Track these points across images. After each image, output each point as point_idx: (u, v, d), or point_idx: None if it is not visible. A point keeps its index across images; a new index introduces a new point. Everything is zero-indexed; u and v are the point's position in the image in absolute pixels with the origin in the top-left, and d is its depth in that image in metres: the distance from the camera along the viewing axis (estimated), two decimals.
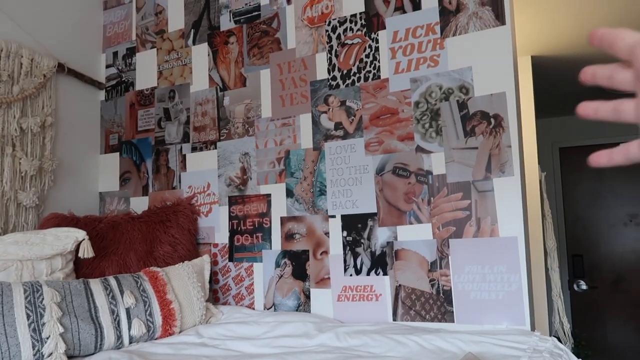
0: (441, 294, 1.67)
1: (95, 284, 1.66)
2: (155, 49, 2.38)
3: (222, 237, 2.11)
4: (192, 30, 2.28)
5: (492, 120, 1.64)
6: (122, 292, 1.61)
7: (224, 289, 2.09)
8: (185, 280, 1.85)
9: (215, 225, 2.13)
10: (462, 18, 1.71)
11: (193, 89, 2.25)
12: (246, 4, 2.14)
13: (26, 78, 2.10)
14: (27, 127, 2.07)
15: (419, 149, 1.74)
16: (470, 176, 1.66)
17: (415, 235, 1.73)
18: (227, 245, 2.09)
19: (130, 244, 1.96)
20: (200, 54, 2.25)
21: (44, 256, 1.71)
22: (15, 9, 2.15)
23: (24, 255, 1.68)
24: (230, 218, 2.10)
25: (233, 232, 2.08)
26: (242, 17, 2.15)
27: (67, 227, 1.80)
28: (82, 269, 1.88)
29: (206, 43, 2.24)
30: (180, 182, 2.24)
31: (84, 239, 1.78)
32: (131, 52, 2.46)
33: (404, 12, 1.81)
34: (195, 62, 2.26)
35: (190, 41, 2.28)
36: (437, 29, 1.75)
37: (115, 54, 2.52)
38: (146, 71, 2.40)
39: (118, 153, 2.44)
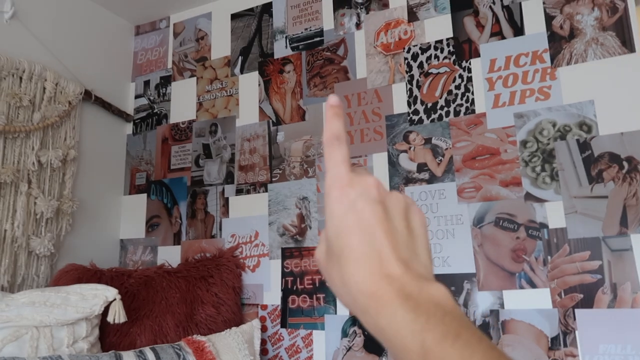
0: None
1: (130, 358, 1.30)
2: (195, 77, 2.11)
3: (272, 297, 1.77)
4: (240, 57, 2.02)
5: (625, 164, 1.35)
6: None
7: None
8: (235, 352, 1.50)
9: (265, 283, 1.79)
10: (577, 44, 1.46)
11: (239, 122, 1.97)
12: (306, 29, 1.89)
13: (49, 105, 1.80)
14: (46, 161, 1.76)
15: (529, 197, 1.45)
16: (599, 231, 1.35)
17: (529, 303, 1.40)
18: (279, 308, 1.74)
19: (167, 305, 1.61)
20: (249, 83, 1.98)
21: (67, 321, 1.36)
22: (40, 28, 1.88)
23: (42, 321, 1.32)
24: (284, 274, 1.76)
25: (287, 292, 1.74)
26: (301, 43, 1.90)
27: (93, 284, 1.46)
28: (108, 336, 1.52)
29: (256, 72, 1.97)
30: (221, 229, 1.92)
31: (115, 299, 1.43)
32: (166, 81, 2.19)
33: (503, 37, 1.56)
34: (243, 93, 1.98)
35: (237, 69, 2.01)
36: (546, 56, 1.49)
37: (146, 82, 2.24)
38: (183, 102, 2.12)
39: (145, 194, 2.12)
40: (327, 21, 1.86)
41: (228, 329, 1.59)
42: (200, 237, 1.95)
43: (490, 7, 1.59)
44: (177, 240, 2.00)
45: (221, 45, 2.08)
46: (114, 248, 2.12)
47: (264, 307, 1.78)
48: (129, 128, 2.24)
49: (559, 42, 1.49)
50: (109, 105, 2.11)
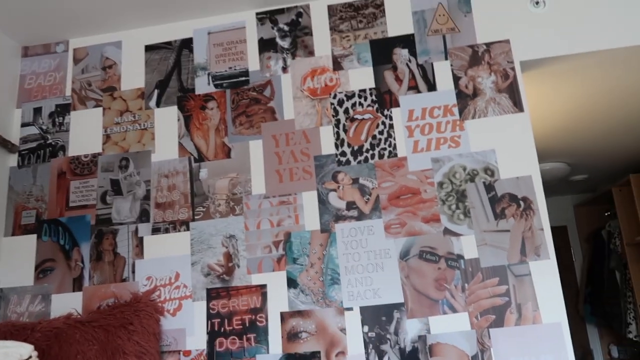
0: None
1: None
2: (102, 108, 1.97)
3: (196, 341, 1.68)
4: (157, 90, 1.94)
5: (522, 203, 1.63)
6: None
7: None
8: None
9: (187, 327, 1.70)
10: (480, 102, 1.74)
11: (156, 157, 1.88)
12: (230, 68, 1.91)
13: None
14: None
15: (447, 231, 1.64)
16: (505, 260, 1.60)
17: (451, 327, 1.57)
18: (205, 352, 1.66)
19: (84, 359, 1.43)
20: (167, 118, 1.91)
21: None
22: None
23: None
24: (210, 316, 1.70)
25: (214, 335, 1.68)
26: (225, 81, 1.91)
27: (2, 341, 1.25)
28: None
29: (175, 106, 1.92)
30: (133, 272, 1.78)
31: (30, 357, 1.24)
32: (63, 109, 1.99)
33: (419, 91, 1.78)
34: (160, 127, 1.91)
35: (152, 103, 1.93)
36: (455, 110, 1.75)
37: (37, 110, 2.01)
38: (86, 133, 1.95)
39: (35, 235, 1.87)
40: (253, 62, 1.91)
41: None
42: (107, 281, 1.78)
43: (407, 64, 1.81)
44: (77, 286, 1.79)
45: (133, 77, 1.98)
46: None
47: (187, 353, 1.68)
48: (12, 160, 1.97)
49: (465, 99, 1.75)
50: None
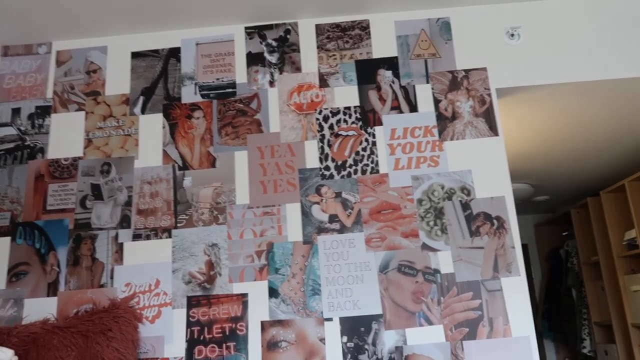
0: None
1: None
2: (84, 112, 1.95)
3: (175, 349, 1.68)
4: (142, 97, 1.95)
5: (495, 222, 1.72)
6: None
7: None
8: None
9: (166, 334, 1.70)
10: (458, 125, 1.83)
11: (139, 164, 1.88)
12: (218, 79, 1.94)
13: None
14: None
15: (425, 247, 1.71)
16: (479, 275, 1.68)
17: (427, 338, 1.63)
18: None
19: None
20: (152, 125, 1.92)
21: None
22: None
23: None
24: (189, 324, 1.70)
25: (193, 342, 1.68)
26: (212, 92, 1.93)
27: None
28: None
29: (161, 114, 1.93)
30: (112, 278, 1.76)
31: None
32: (44, 111, 1.97)
33: (401, 111, 1.86)
34: (144, 134, 1.91)
35: (137, 109, 1.94)
36: (435, 131, 1.83)
37: (15, 110, 1.98)
38: (66, 137, 1.93)
39: (9, 238, 1.83)
40: (240, 75, 1.94)
41: None
42: (85, 286, 1.76)
43: (390, 85, 1.89)
44: (52, 291, 1.76)
45: (118, 82, 1.98)
46: None
47: None
48: None
49: (444, 121, 1.84)
50: None
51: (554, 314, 4.13)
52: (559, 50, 1.90)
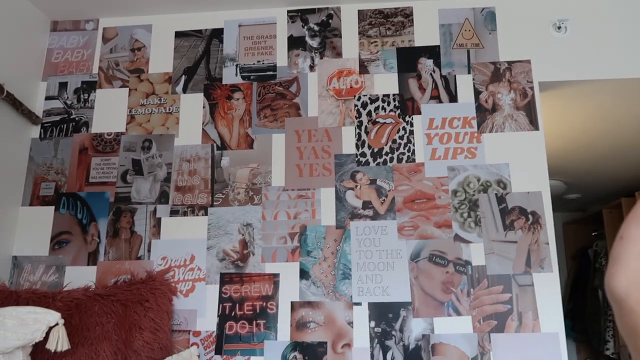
0: None
1: None
2: (127, 88, 2.00)
3: (207, 323, 1.74)
4: (184, 76, 1.99)
5: (530, 217, 1.71)
6: None
7: None
8: None
9: (199, 309, 1.75)
10: (498, 117, 1.81)
11: (179, 142, 1.92)
12: (259, 61, 1.96)
13: None
14: None
15: (458, 238, 1.72)
16: (510, 269, 1.67)
17: (455, 329, 1.65)
18: (215, 334, 1.72)
19: (103, 331, 1.47)
20: (192, 104, 1.96)
21: (6, 349, 1.18)
22: None
23: None
24: (221, 300, 1.75)
25: (224, 318, 1.73)
26: (253, 73, 1.96)
27: (31, 307, 1.29)
28: None
29: (202, 94, 1.96)
30: (149, 251, 1.82)
31: (57, 324, 1.29)
32: (89, 86, 2.02)
33: (440, 101, 1.85)
34: (185, 113, 1.95)
35: (179, 88, 1.98)
36: (474, 123, 1.82)
37: (62, 84, 2.04)
38: (110, 112, 1.98)
39: (53, 207, 1.90)
40: (281, 58, 1.96)
41: (170, 357, 1.52)
42: (123, 258, 1.82)
43: (431, 74, 1.88)
44: (92, 260, 1.83)
45: (161, 61, 2.02)
46: (2, 266, 1.84)
47: (197, 333, 1.73)
48: (35, 131, 2.00)
49: (484, 113, 1.82)
50: (19, 104, 1.87)
51: (578, 314, 4.08)
52: (605, 45, 1.85)
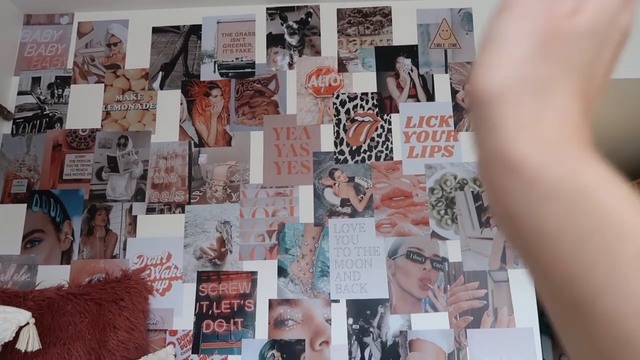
0: None
1: None
2: (103, 84, 1.97)
3: (183, 322, 1.72)
4: (161, 72, 1.96)
5: None
6: None
7: None
8: None
9: (175, 307, 1.73)
10: None
11: (155, 139, 1.90)
12: (237, 59, 1.95)
13: None
14: None
15: (435, 235, 1.73)
16: (486, 266, 1.70)
17: (431, 325, 1.66)
18: (192, 333, 1.70)
19: (76, 330, 1.45)
20: (170, 100, 1.93)
21: None
22: None
23: None
24: (198, 298, 1.73)
25: (201, 316, 1.71)
26: (231, 70, 1.95)
27: (1, 306, 1.26)
28: None
29: (179, 90, 1.94)
30: (125, 249, 1.79)
31: (27, 324, 1.26)
32: (63, 82, 1.98)
33: (418, 100, 1.87)
34: (162, 109, 1.93)
35: (156, 84, 1.95)
36: (451, 121, 1.84)
37: (35, 79, 2.00)
38: (85, 108, 1.95)
39: (25, 205, 1.86)
40: (260, 55, 1.95)
41: (145, 356, 1.50)
42: (97, 256, 1.79)
43: (409, 73, 1.89)
44: (66, 259, 1.80)
45: (138, 57, 1.99)
46: None
47: (173, 332, 1.71)
48: (7, 127, 1.95)
49: (461, 111, 1.85)
50: None
51: None
52: None
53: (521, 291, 1.67)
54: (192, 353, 1.68)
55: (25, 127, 1.94)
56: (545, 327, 4.17)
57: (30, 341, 1.23)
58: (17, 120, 1.95)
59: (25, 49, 2.04)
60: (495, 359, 1.62)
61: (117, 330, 1.52)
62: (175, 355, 1.67)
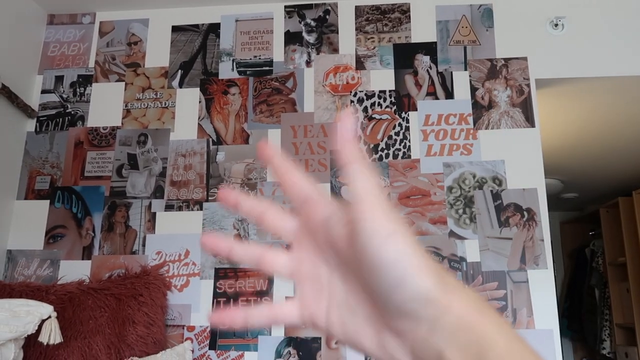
0: None
1: None
2: (124, 82, 2.00)
3: (201, 318, 1.73)
4: (180, 71, 1.98)
5: (525, 214, 1.71)
6: None
7: None
8: None
9: (193, 303, 1.75)
10: (494, 114, 1.81)
11: (174, 136, 1.92)
12: (255, 57, 1.96)
13: None
14: None
15: (453, 234, 1.72)
16: (505, 266, 1.67)
17: None
18: (209, 330, 1.72)
19: (96, 325, 1.47)
20: (189, 99, 1.95)
21: None
22: None
23: None
24: (216, 295, 1.75)
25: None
26: (249, 69, 1.95)
27: (23, 300, 1.29)
28: None
29: (198, 88, 1.96)
30: (144, 245, 1.82)
31: (49, 317, 1.28)
32: (85, 80, 2.02)
33: (437, 98, 1.85)
34: (181, 107, 1.95)
35: (175, 82, 1.97)
36: (470, 119, 1.82)
37: (59, 78, 2.04)
38: (106, 106, 1.98)
39: (48, 201, 1.90)
40: (278, 53, 1.96)
41: (163, 351, 1.52)
42: (117, 252, 1.82)
43: (427, 70, 1.87)
44: (87, 254, 1.83)
45: (158, 55, 2.01)
46: None
47: (191, 328, 1.73)
48: (30, 125, 1.99)
49: (480, 109, 1.82)
50: (15, 97, 1.86)
51: (574, 313, 4.08)
52: (603, 42, 1.85)
53: (541, 292, 1.64)
54: (209, 349, 1.70)
55: (49, 125, 1.98)
56: (566, 329, 4.10)
57: (52, 334, 1.26)
58: (41, 119, 1.99)
59: (48, 48, 2.08)
60: None
61: (136, 325, 1.54)
62: (192, 351, 1.69)
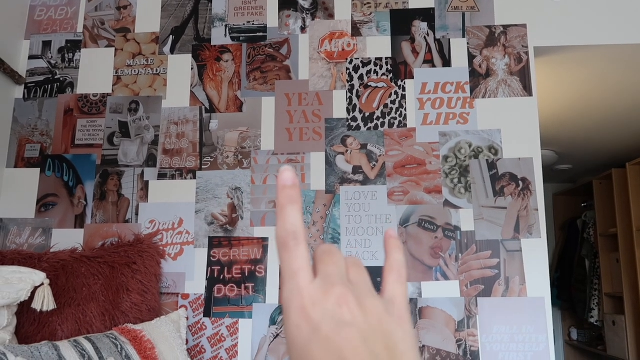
0: (468, 355, 1.61)
1: (68, 350, 1.19)
2: (114, 48, 1.95)
3: (195, 286, 1.74)
4: (172, 37, 1.93)
5: (521, 183, 1.71)
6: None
7: (194, 352, 1.70)
8: (170, 342, 1.46)
9: (187, 272, 1.75)
10: (491, 82, 1.79)
11: (166, 104, 1.88)
12: (249, 22, 1.91)
13: None
14: None
15: (448, 204, 1.71)
16: (499, 235, 1.68)
17: (442, 293, 1.66)
18: (203, 297, 1.72)
19: (90, 292, 1.47)
20: (180, 65, 1.91)
21: None
22: None
23: None
24: (210, 263, 1.75)
25: (213, 281, 1.73)
26: (243, 35, 1.91)
27: (15, 267, 1.28)
28: (23, 326, 1.33)
29: (190, 55, 1.91)
30: (137, 214, 1.80)
31: (42, 284, 1.28)
32: (74, 46, 1.97)
33: (434, 66, 1.82)
34: (173, 74, 1.90)
35: (167, 49, 1.92)
36: (467, 88, 1.79)
37: (46, 43, 1.98)
38: (96, 73, 1.93)
39: (38, 169, 1.87)
40: (272, 19, 1.91)
41: (158, 318, 1.52)
42: (110, 221, 1.81)
43: (425, 37, 1.84)
44: (79, 223, 1.82)
45: (149, 20, 1.96)
46: None
47: (185, 296, 1.73)
48: (19, 91, 1.95)
49: (478, 78, 1.79)
50: (1, 63, 1.81)
51: (565, 283, 4.15)
52: (602, 10, 1.82)
53: (534, 261, 1.65)
54: (204, 316, 1.71)
55: (37, 92, 1.94)
56: (556, 299, 4.17)
57: (45, 301, 1.25)
58: (29, 85, 1.94)
59: (35, 12, 2.01)
60: (506, 328, 1.62)
61: (130, 293, 1.54)
62: (187, 318, 1.70)
